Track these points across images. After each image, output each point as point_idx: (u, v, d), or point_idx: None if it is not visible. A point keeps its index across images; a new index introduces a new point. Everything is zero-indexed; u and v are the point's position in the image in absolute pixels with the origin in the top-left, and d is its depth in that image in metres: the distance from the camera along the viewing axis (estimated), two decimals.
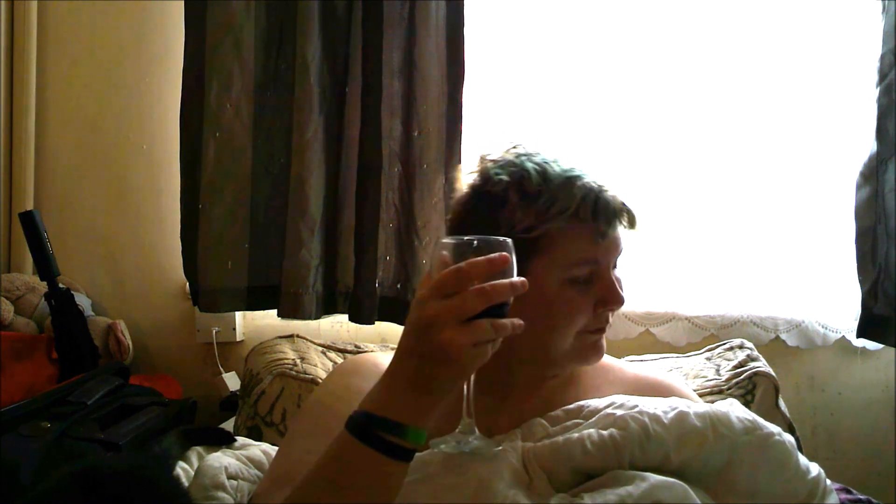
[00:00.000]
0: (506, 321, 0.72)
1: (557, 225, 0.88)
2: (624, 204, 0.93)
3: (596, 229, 0.90)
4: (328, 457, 0.75)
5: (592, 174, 0.93)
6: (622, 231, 0.93)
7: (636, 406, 0.85)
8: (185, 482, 0.93)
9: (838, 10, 1.57)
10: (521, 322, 0.73)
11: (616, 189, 0.93)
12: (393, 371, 0.74)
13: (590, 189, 0.90)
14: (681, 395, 0.98)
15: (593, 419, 0.86)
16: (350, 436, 0.73)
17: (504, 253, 0.72)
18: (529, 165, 0.92)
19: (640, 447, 0.81)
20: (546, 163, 0.93)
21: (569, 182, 0.90)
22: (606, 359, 1.06)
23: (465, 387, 0.77)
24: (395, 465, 0.72)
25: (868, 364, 1.62)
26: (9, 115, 1.79)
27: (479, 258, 0.71)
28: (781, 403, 1.26)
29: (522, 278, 0.72)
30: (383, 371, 0.95)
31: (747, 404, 1.22)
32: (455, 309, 0.69)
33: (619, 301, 0.91)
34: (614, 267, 0.94)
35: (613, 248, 0.92)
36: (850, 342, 1.59)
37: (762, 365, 1.30)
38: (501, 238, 0.74)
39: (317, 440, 0.87)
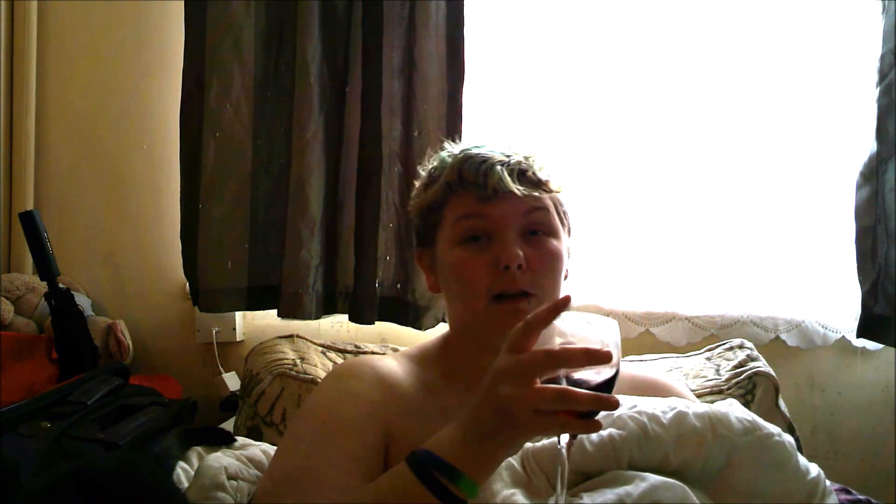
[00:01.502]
0: (582, 393, 0.65)
1: (446, 193, 0.97)
2: (508, 165, 0.94)
3: (479, 188, 0.94)
4: (383, 484, 0.76)
5: (499, 148, 0.98)
6: (526, 192, 0.94)
7: (635, 406, 0.85)
8: (186, 482, 0.93)
9: (838, 10, 1.57)
10: (614, 398, 0.67)
11: (521, 157, 0.97)
12: (465, 416, 0.73)
13: (471, 156, 0.97)
14: (678, 395, 0.98)
15: None
16: (407, 469, 0.72)
17: (609, 352, 0.66)
18: (441, 155, 1.03)
19: (639, 447, 0.81)
20: (460, 150, 1.00)
21: (458, 156, 0.99)
22: None
23: (561, 457, 0.71)
24: None
25: (868, 364, 1.62)
26: (9, 115, 1.79)
27: (578, 347, 0.67)
28: (781, 403, 1.26)
29: (606, 349, 0.66)
30: (380, 373, 0.97)
31: (747, 404, 1.22)
32: (519, 366, 0.68)
33: (512, 257, 0.90)
34: (531, 232, 0.95)
35: (510, 208, 0.94)
36: (850, 342, 1.59)
37: (762, 365, 1.30)
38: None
39: (318, 444, 0.88)
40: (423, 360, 1.04)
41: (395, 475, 0.75)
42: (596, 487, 0.78)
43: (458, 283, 0.96)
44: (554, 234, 0.97)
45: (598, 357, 0.65)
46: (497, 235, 0.94)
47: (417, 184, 1.07)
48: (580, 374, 0.67)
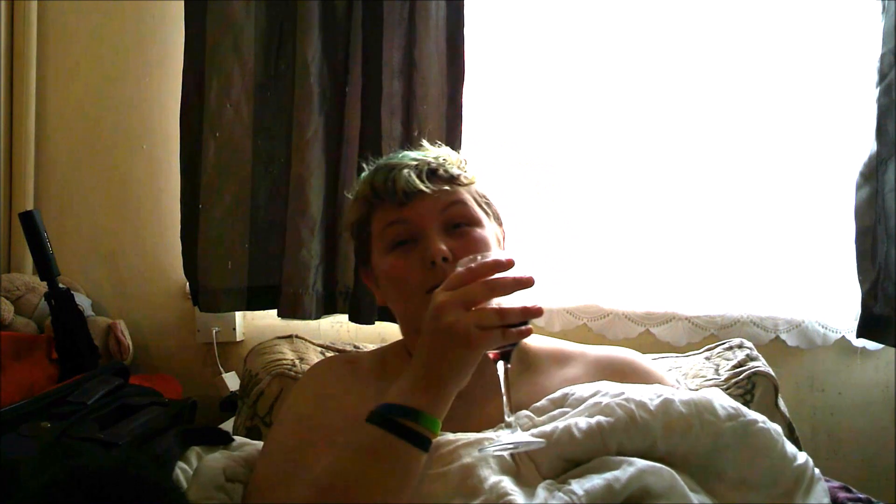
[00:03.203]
0: (514, 307, 0.78)
1: (366, 208, 1.02)
2: (416, 168, 0.98)
3: (391, 195, 0.98)
4: (352, 447, 0.80)
5: (410, 156, 1.03)
6: (436, 188, 0.97)
7: (622, 393, 0.86)
8: (185, 482, 0.93)
9: (838, 10, 1.57)
10: (538, 307, 0.78)
11: (430, 158, 1.01)
12: (413, 364, 0.82)
13: (380, 167, 1.02)
14: (645, 371, 1.00)
15: (580, 407, 0.87)
16: (370, 425, 0.79)
17: (511, 258, 0.80)
18: (364, 174, 1.06)
19: (627, 434, 0.82)
20: (378, 163, 1.05)
21: (369, 172, 1.04)
22: (566, 345, 1.07)
23: (503, 378, 0.81)
24: (411, 451, 0.78)
25: (868, 364, 1.61)
26: (9, 115, 1.79)
27: (488, 259, 0.80)
28: (781, 403, 1.26)
29: (530, 275, 0.79)
30: (355, 368, 1.03)
31: (746, 404, 1.22)
32: (461, 296, 0.78)
33: (436, 253, 0.93)
34: (454, 225, 0.98)
35: (427, 207, 0.97)
36: (850, 342, 1.59)
37: (761, 364, 1.30)
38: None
39: (302, 440, 0.92)
40: (397, 354, 1.07)
41: (360, 435, 0.80)
42: (584, 474, 0.79)
43: (395, 287, 0.99)
44: (476, 223, 1.00)
45: (524, 282, 0.78)
46: (420, 235, 0.97)
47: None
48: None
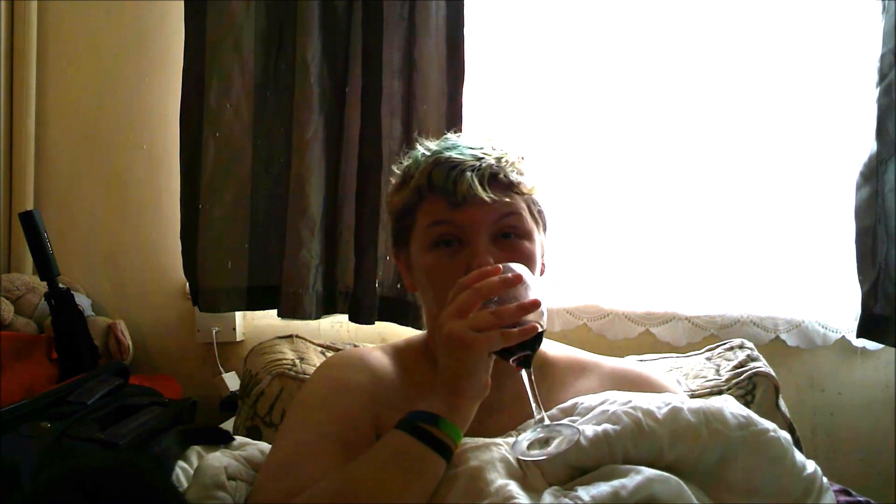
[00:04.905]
0: (510, 306, 0.81)
1: (416, 198, 0.97)
2: (478, 170, 0.92)
3: (449, 195, 0.92)
4: (376, 448, 0.84)
5: (471, 148, 0.96)
6: (496, 198, 0.92)
7: (629, 401, 0.85)
8: (185, 482, 0.93)
9: (838, 10, 1.57)
10: (534, 300, 0.81)
11: (493, 159, 0.94)
12: (437, 377, 0.85)
13: (441, 161, 0.95)
14: (661, 387, 0.99)
15: (588, 416, 0.86)
16: (397, 430, 0.83)
17: (499, 265, 0.84)
18: (416, 153, 1.01)
19: (634, 442, 0.81)
20: (434, 148, 0.99)
21: (429, 159, 0.97)
22: (582, 354, 1.06)
23: (529, 383, 0.82)
24: (431, 456, 0.81)
25: (868, 364, 1.61)
26: (9, 115, 1.79)
27: (473, 271, 0.85)
28: (781, 403, 1.26)
29: (516, 272, 0.83)
30: (371, 366, 1.02)
31: (747, 404, 1.22)
32: (454, 306, 0.82)
33: (482, 265, 0.88)
34: (503, 235, 0.94)
35: (480, 214, 0.92)
36: (850, 342, 1.59)
37: (762, 365, 1.30)
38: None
39: (312, 432, 0.91)
40: (410, 353, 1.06)
41: (387, 438, 0.83)
42: (591, 481, 0.79)
43: (431, 287, 0.96)
44: (526, 236, 0.95)
45: (510, 281, 0.82)
46: (468, 240, 0.93)
47: (393, 181, 1.04)
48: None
